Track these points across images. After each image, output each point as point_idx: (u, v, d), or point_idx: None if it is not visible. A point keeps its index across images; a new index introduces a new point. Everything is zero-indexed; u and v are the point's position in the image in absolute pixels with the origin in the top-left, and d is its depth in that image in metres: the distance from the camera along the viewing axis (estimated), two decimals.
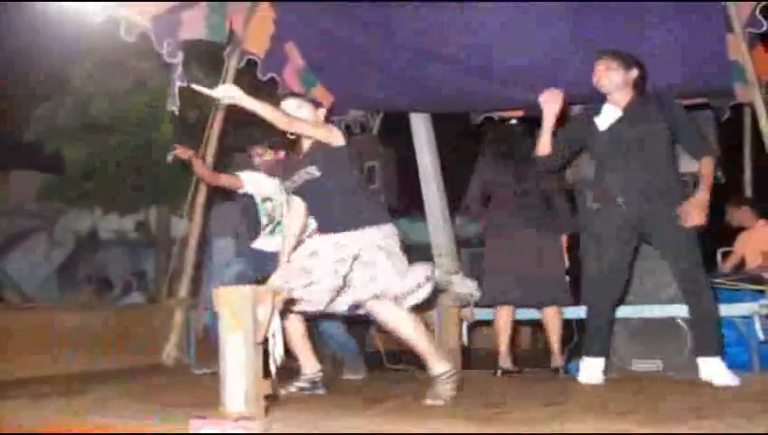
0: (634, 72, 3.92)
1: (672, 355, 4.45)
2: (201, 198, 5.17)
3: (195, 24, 4.80)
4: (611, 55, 3.92)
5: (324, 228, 3.46)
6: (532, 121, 5.96)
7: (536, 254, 4.60)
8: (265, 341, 2.65)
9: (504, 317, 4.66)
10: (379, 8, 5.19)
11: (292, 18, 5.46)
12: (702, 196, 3.75)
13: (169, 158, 4.81)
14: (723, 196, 5.82)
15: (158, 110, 8.76)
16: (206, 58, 6.06)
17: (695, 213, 3.70)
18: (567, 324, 4.76)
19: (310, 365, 3.68)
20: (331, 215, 3.41)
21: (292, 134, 3.44)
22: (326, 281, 3.25)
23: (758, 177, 6.71)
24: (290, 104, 3.49)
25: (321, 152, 3.40)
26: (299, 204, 3.62)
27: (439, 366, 3.24)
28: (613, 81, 3.89)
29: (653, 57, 4.91)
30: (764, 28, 4.54)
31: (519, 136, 4.92)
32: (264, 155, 4.82)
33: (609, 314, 4.00)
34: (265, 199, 4.77)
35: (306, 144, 3.51)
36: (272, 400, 2.64)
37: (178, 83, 4.71)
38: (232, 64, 5.22)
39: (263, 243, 4.71)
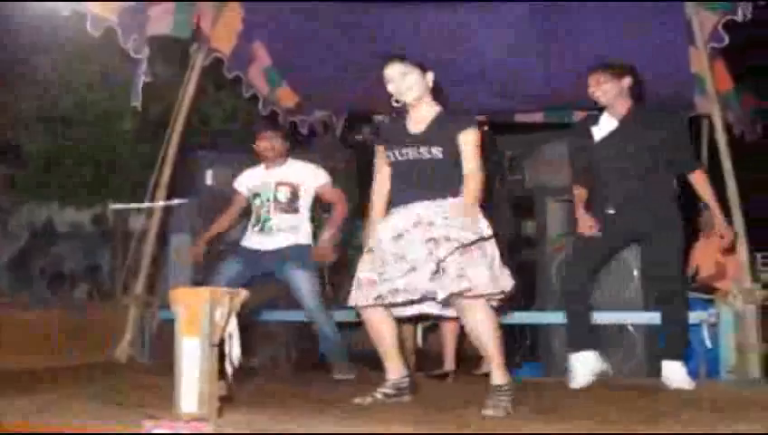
0: (627, 80, 3.93)
1: (622, 360, 4.55)
2: (161, 193, 5.12)
3: (162, 20, 4.76)
4: (601, 68, 3.96)
5: (405, 198, 3.31)
6: (494, 127, 6.06)
7: None
8: (221, 342, 2.66)
9: (450, 320, 4.67)
10: (350, 9, 5.20)
11: (261, 17, 5.46)
12: (719, 218, 4.01)
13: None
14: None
15: (121, 103, 8.68)
16: (172, 54, 6.00)
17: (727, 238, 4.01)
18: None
19: (396, 370, 3.41)
20: (420, 186, 3.28)
21: (397, 101, 3.36)
22: (424, 267, 3.06)
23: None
24: (395, 70, 3.33)
25: (443, 134, 3.29)
26: (386, 170, 3.47)
27: (503, 377, 3.14)
28: (607, 93, 3.92)
29: None
30: (726, 42, 4.64)
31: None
32: (274, 139, 4.67)
33: (588, 310, 4.06)
34: (255, 196, 4.68)
35: (424, 119, 3.36)
36: (226, 401, 2.64)
37: (143, 79, 4.68)
38: (198, 61, 5.19)
39: (252, 241, 4.65)
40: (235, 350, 2.73)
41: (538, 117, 6.63)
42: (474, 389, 3.60)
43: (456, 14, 5.14)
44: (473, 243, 3.11)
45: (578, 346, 3.95)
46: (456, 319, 4.55)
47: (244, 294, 2.75)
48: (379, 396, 3.32)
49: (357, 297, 3.28)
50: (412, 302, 3.24)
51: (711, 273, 5.88)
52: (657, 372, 3.95)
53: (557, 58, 5.44)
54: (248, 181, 4.75)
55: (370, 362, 4.58)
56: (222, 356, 2.67)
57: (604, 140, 3.96)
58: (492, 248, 3.21)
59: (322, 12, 5.27)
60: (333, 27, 5.45)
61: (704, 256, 6.19)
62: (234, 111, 9.01)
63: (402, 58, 3.36)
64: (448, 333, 4.59)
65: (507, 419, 2.91)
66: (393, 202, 3.40)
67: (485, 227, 3.19)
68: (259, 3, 5.32)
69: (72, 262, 10.78)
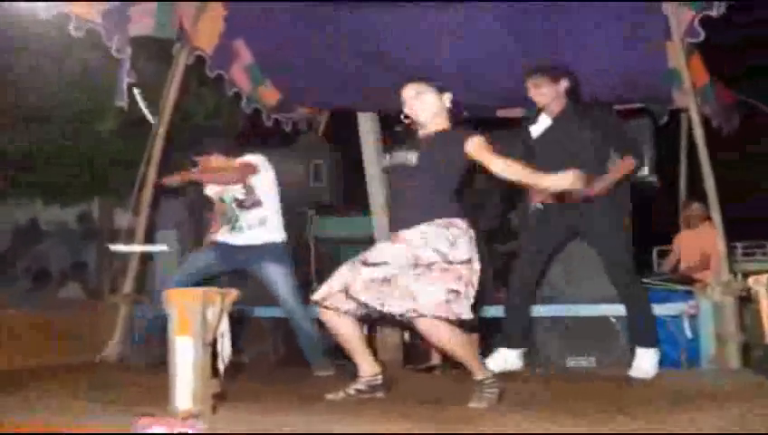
0: (563, 84, 4.12)
1: (605, 352, 4.63)
2: (148, 192, 5.14)
3: (144, 20, 4.78)
4: (538, 73, 4.13)
5: (396, 223, 3.35)
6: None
7: None
8: (214, 340, 2.72)
9: None
10: (333, 8, 5.24)
11: (244, 15, 5.48)
12: (605, 177, 4.08)
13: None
14: (657, 198, 6.06)
15: (101, 101, 8.69)
16: (156, 54, 6.01)
17: (589, 183, 3.85)
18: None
19: (367, 369, 3.43)
20: (408, 210, 3.30)
21: (406, 117, 3.34)
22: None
23: (692, 180, 6.98)
24: (410, 90, 3.35)
25: (437, 146, 3.28)
26: None
27: (481, 373, 3.25)
28: (545, 96, 4.12)
29: (594, 63, 5.12)
30: (702, 38, 4.73)
31: None
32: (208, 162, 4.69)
33: (528, 312, 4.30)
34: (221, 199, 4.71)
35: (429, 127, 3.36)
36: (220, 398, 2.70)
37: (126, 79, 4.70)
38: (181, 61, 5.21)
39: (225, 237, 4.66)
40: (226, 349, 2.79)
41: (517, 112, 6.68)
42: (460, 381, 3.67)
43: (438, 14, 5.18)
44: (433, 263, 3.12)
45: (511, 344, 4.20)
46: None
47: (234, 293, 2.81)
48: (351, 392, 3.36)
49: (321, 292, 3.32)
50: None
51: (695, 263, 5.96)
52: None
53: (534, 55, 5.49)
54: (212, 187, 4.77)
55: None
56: (214, 355, 2.73)
57: (540, 137, 4.17)
58: (464, 273, 3.16)
59: (305, 10, 5.30)
60: (317, 25, 5.47)
61: (686, 247, 6.28)
62: (217, 108, 9.00)
63: (419, 79, 3.39)
64: None
65: (490, 411, 2.99)
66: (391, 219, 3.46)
67: (462, 253, 3.17)
68: (241, 2, 5.34)
69: (57, 260, 10.74)
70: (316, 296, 3.32)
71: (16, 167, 9.26)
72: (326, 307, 3.30)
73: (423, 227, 3.20)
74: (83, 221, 10.52)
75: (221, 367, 2.78)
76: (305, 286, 4.84)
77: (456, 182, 3.32)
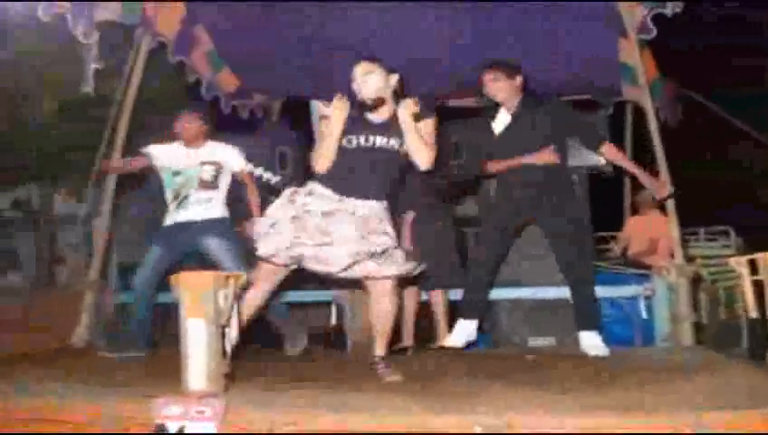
0: (518, 79, 4.28)
1: (564, 333, 4.85)
2: (111, 179, 5.11)
3: (111, 5, 4.76)
4: (496, 67, 4.27)
5: (350, 191, 3.46)
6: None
7: (434, 240, 4.87)
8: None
9: (409, 298, 4.91)
10: None
11: (204, 1, 5.47)
12: (645, 178, 4.32)
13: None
14: (603, 187, 6.33)
15: (39, 85, 8.53)
16: (118, 39, 5.94)
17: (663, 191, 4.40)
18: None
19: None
20: (373, 183, 3.49)
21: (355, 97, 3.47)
22: (346, 246, 3.35)
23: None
24: (359, 69, 3.48)
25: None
26: None
27: (381, 350, 3.55)
28: (502, 90, 4.27)
29: (548, 56, 5.31)
30: (654, 34, 4.97)
31: None
32: (192, 123, 4.72)
33: (488, 288, 4.47)
34: (176, 173, 4.70)
35: (383, 114, 3.50)
36: (230, 378, 2.78)
37: (93, 65, 4.67)
38: (143, 46, 5.19)
39: (170, 217, 4.68)
40: (233, 330, 2.87)
41: (470, 101, 6.84)
42: (441, 361, 3.82)
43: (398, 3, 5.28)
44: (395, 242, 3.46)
45: (467, 316, 4.37)
46: (415, 297, 4.83)
47: (243, 276, 2.89)
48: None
49: (265, 247, 3.43)
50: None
51: (643, 248, 6.23)
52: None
53: (491, 48, 5.65)
54: (167, 158, 4.75)
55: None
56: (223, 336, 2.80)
57: (503, 133, 4.33)
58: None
59: None
60: (273, 11, 5.50)
61: (636, 232, 6.56)
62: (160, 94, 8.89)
63: (370, 59, 3.52)
64: (407, 310, 4.81)
65: (467, 387, 3.13)
66: (336, 187, 3.49)
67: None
68: None
69: None
70: (266, 252, 3.41)
71: None
72: (272, 263, 3.45)
73: (379, 207, 3.49)
74: (19, 207, 10.22)
75: (228, 348, 2.85)
76: None
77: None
